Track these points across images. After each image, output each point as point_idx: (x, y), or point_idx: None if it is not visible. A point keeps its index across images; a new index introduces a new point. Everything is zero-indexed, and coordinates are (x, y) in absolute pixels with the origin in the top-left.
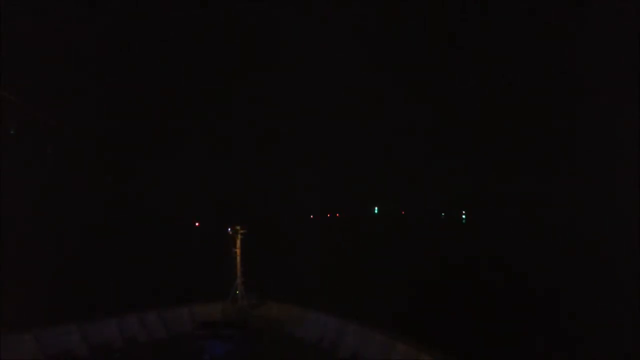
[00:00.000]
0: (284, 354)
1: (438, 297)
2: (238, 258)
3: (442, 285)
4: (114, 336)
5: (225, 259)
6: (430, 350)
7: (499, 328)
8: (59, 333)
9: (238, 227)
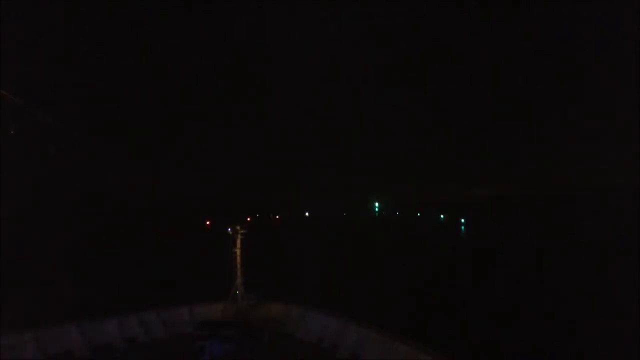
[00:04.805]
0: (284, 354)
1: (438, 298)
2: (238, 258)
3: (443, 286)
4: (114, 336)
5: (225, 259)
6: (430, 350)
7: (499, 328)
8: (59, 333)
9: (238, 227)
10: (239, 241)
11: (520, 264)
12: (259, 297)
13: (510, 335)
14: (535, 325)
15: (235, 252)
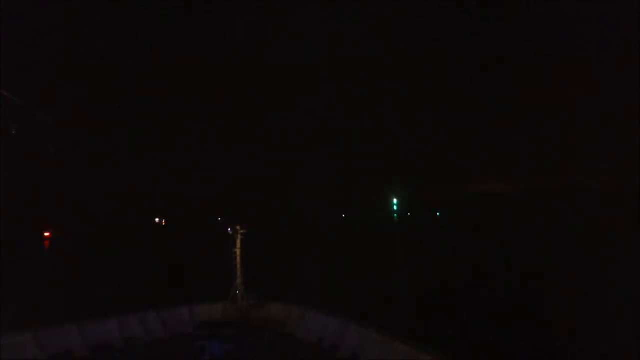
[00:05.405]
0: (284, 354)
1: (438, 298)
2: (238, 258)
3: (443, 286)
4: (114, 336)
5: (225, 259)
6: (430, 350)
7: (499, 328)
8: (59, 333)
9: (238, 227)
10: (239, 241)
11: (520, 263)
12: (259, 297)
13: (510, 335)
14: (535, 325)
15: (235, 252)
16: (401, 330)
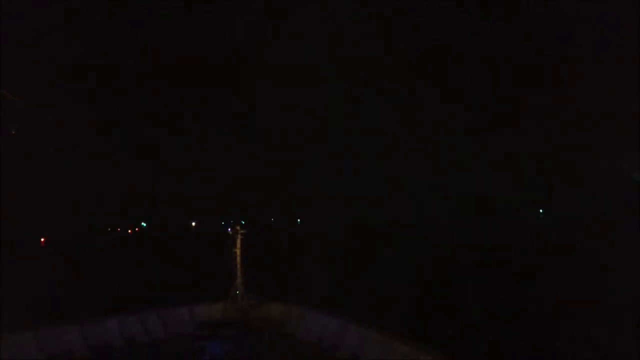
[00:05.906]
0: (284, 354)
1: (439, 298)
2: (238, 258)
3: (443, 286)
4: (114, 336)
5: (225, 259)
6: (430, 350)
7: (499, 328)
8: (59, 333)
9: (238, 227)
10: (239, 241)
11: (521, 263)
12: (259, 297)
13: (510, 335)
14: (536, 325)
15: (235, 252)
16: (401, 330)
